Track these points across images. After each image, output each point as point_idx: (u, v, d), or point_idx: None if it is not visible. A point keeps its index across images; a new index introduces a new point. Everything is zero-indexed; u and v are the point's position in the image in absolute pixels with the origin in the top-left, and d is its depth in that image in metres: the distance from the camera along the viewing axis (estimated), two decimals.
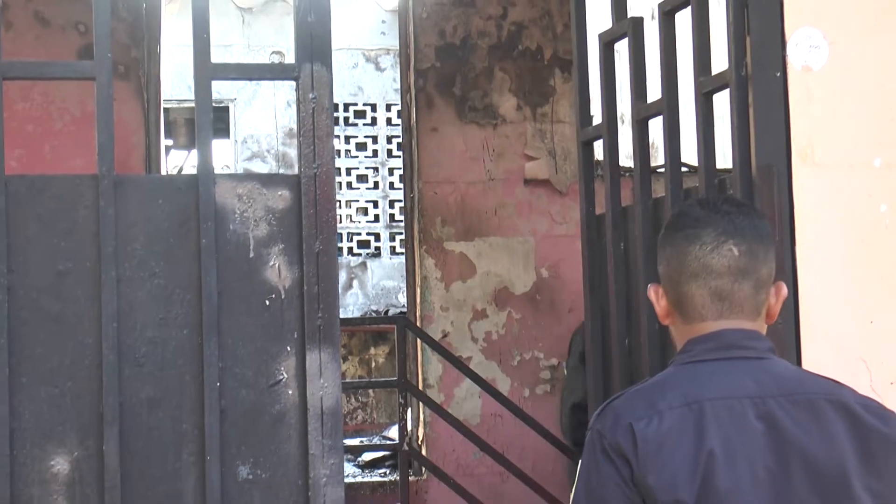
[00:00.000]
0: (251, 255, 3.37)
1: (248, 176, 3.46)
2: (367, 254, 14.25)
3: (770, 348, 2.59)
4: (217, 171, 3.40)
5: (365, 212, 14.26)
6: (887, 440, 2.49)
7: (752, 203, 3.43)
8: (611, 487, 2.52)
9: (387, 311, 13.82)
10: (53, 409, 3.29)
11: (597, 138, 4.64)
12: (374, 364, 13.46)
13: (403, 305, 13.10)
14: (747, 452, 2.45)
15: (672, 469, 2.46)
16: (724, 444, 2.46)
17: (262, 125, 14.14)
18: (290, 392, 3.36)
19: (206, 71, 3.39)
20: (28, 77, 3.57)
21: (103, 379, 3.28)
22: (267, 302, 3.37)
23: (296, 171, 3.45)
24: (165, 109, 9.03)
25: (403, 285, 13.40)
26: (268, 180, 3.43)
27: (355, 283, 14.06)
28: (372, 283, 14.20)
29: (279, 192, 3.39)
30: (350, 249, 14.10)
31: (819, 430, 2.47)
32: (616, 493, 2.52)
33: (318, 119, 3.39)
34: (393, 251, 14.24)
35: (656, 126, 4.27)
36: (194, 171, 3.37)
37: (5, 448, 3.23)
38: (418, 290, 8.78)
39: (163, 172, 8.03)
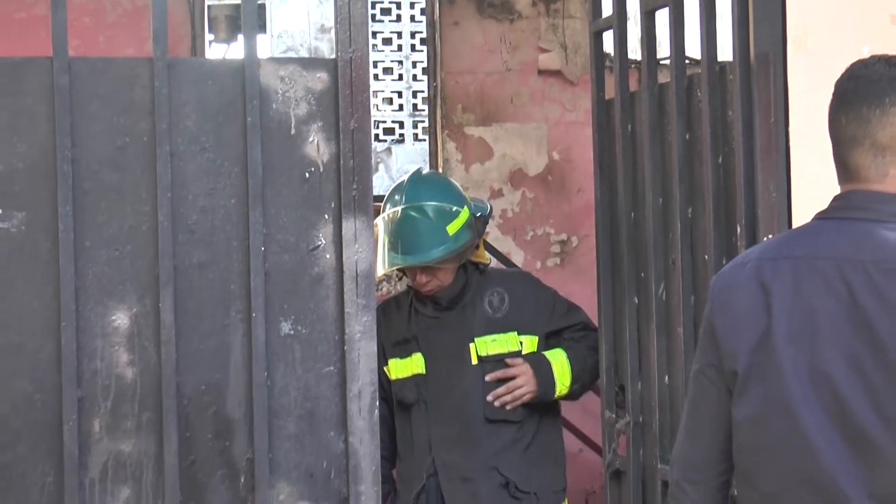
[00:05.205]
0: (292, 132, 3.39)
1: (290, 60, 3.48)
2: (392, 140, 14.23)
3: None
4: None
5: (390, 101, 14.21)
6: None
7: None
8: (702, 330, 2.50)
9: None
10: (114, 270, 3.34)
11: (607, 29, 4.62)
12: None
13: None
14: (810, 311, 2.29)
15: (734, 316, 2.40)
16: (787, 300, 2.32)
17: (295, 21, 14.06)
18: (327, 256, 3.39)
19: None
20: None
21: (159, 244, 3.32)
22: (307, 175, 3.39)
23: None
24: (207, 6, 8.99)
25: (425, 169, 13.43)
26: (308, 63, 3.44)
27: (381, 167, 14.06)
28: (396, 168, 14.19)
29: (318, 75, 3.40)
30: (376, 136, 14.06)
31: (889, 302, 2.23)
32: (703, 337, 2.49)
33: (353, 6, 3.39)
34: (415, 138, 14.22)
35: (661, 20, 4.26)
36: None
37: (71, 304, 3.29)
38: (440, 172, 8.79)
39: None
